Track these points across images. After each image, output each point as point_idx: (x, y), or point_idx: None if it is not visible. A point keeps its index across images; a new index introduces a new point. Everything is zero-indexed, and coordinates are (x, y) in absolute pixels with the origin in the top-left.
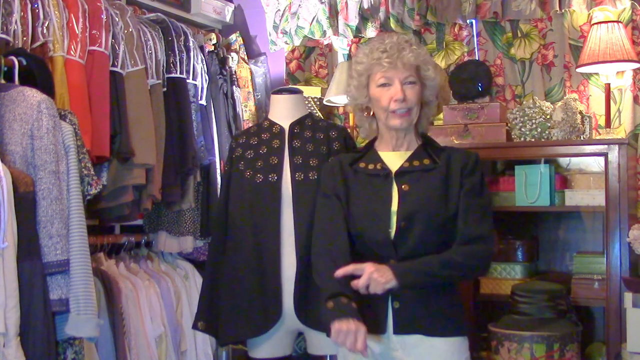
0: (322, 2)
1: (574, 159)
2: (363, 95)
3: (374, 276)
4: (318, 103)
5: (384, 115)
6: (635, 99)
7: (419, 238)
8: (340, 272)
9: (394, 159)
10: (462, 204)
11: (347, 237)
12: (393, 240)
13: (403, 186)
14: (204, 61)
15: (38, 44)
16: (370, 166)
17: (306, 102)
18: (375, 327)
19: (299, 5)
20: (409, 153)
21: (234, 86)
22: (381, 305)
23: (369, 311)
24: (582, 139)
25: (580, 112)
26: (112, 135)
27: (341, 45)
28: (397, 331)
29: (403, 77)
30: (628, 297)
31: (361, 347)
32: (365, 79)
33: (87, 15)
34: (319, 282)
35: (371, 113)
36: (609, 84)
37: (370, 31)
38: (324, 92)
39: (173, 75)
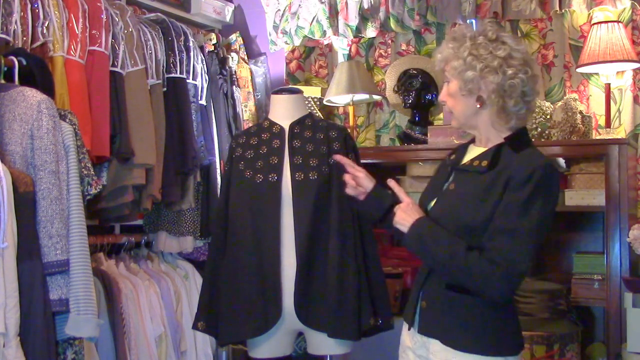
0: (322, 2)
1: (574, 159)
2: None
3: (397, 211)
4: (318, 103)
5: None
6: (635, 99)
7: None
8: (391, 182)
9: (471, 154)
10: (492, 223)
11: None
12: None
13: (450, 185)
14: (204, 61)
15: (38, 44)
16: (453, 156)
17: (306, 102)
18: (408, 321)
19: (299, 5)
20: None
21: (234, 86)
22: (413, 301)
23: (408, 303)
24: (582, 139)
25: (580, 112)
26: (112, 135)
27: (341, 45)
28: (421, 331)
29: (444, 77)
30: (628, 297)
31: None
32: None
33: (87, 15)
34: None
35: None
36: (609, 84)
37: (370, 31)
38: (324, 92)
39: (173, 75)
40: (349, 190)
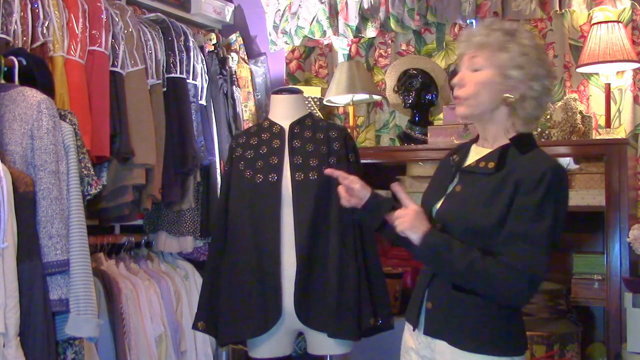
0: (322, 2)
1: (574, 159)
2: None
3: (405, 217)
4: (318, 103)
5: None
6: (635, 99)
7: None
8: (395, 186)
9: (474, 155)
10: (506, 228)
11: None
12: None
13: (457, 187)
14: (204, 61)
15: (38, 44)
16: (455, 157)
17: (306, 102)
18: (412, 322)
19: (299, 5)
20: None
21: (234, 86)
22: (418, 302)
23: (411, 304)
24: (582, 139)
25: (580, 112)
26: (112, 135)
27: (341, 45)
28: (426, 332)
29: (469, 61)
30: (628, 297)
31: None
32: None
33: (87, 15)
34: None
35: None
36: (609, 84)
37: (370, 31)
38: (324, 92)
39: (173, 75)
40: (344, 202)
